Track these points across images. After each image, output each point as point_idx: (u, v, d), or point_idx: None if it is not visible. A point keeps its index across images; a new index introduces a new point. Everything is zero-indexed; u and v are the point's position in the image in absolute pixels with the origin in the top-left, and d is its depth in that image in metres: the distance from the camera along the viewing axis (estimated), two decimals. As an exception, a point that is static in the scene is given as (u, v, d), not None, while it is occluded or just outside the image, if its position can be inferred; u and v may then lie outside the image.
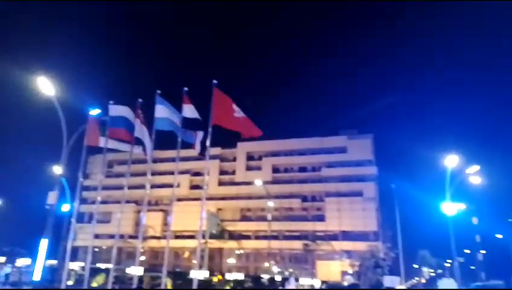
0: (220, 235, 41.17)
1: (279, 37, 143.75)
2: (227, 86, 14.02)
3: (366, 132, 74.04)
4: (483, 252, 47.31)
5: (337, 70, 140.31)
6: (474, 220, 43.45)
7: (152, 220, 68.40)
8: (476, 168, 28.21)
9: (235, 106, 13.40)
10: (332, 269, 60.31)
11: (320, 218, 69.74)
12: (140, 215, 60.07)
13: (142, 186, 20.32)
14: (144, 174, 18.70)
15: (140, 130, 15.54)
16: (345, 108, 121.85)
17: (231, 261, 68.09)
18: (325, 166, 73.86)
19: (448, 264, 31.04)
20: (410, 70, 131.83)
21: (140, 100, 15.93)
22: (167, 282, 29.79)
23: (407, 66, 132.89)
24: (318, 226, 66.56)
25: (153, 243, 65.08)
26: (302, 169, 77.06)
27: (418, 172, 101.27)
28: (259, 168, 77.66)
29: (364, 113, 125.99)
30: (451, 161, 26.28)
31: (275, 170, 77.67)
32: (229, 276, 43.84)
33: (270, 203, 54.30)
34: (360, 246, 55.33)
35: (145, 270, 38.25)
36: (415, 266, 42.58)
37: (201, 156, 13.99)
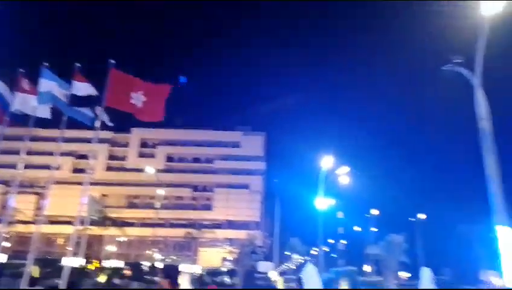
0: (102, 221, 39.27)
1: (185, 24, 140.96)
2: (127, 69, 13.67)
3: (260, 130, 78.33)
4: (344, 242, 54.84)
5: (238, 68, 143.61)
6: (339, 214, 50.18)
7: (24, 204, 61.17)
8: (345, 169, 32.58)
9: (134, 92, 12.85)
10: (214, 256, 62.58)
11: (208, 207, 71.77)
12: (8, 198, 53.25)
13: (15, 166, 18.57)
14: (17, 152, 17.07)
15: (24, 102, 14.12)
16: (243, 105, 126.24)
17: (111, 248, 65.22)
18: (218, 158, 76.04)
19: (315, 252, 35.31)
20: (307, 75, 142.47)
21: (21, 70, 14.55)
22: (34, 270, 27.50)
23: (303, 73, 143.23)
24: (205, 215, 68.41)
25: (21, 228, 58.35)
26: (196, 160, 78.00)
27: (300, 170, 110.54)
28: (152, 156, 76.04)
29: (259, 112, 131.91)
30: (326, 161, 29.90)
31: (169, 158, 77.00)
32: (107, 263, 42.22)
33: (160, 191, 53.73)
34: (242, 234, 58.62)
35: (9, 258, 34.47)
36: (287, 253, 46.84)
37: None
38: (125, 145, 77.96)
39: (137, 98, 13.10)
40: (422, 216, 50.63)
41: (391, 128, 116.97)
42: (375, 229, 47.49)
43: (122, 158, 77.22)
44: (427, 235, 48.88)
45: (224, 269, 39.65)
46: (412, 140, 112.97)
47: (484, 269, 27.79)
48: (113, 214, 58.51)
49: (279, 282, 36.73)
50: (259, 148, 76.73)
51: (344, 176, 33.99)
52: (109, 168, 75.25)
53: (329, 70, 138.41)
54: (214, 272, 37.81)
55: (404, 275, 39.00)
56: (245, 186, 72.46)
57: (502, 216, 10.99)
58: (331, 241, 58.12)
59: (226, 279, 32.43)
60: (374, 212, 53.16)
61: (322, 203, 30.65)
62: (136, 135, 76.85)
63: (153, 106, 13.30)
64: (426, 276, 18.62)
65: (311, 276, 17.91)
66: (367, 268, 47.19)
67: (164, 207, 67.23)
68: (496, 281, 29.91)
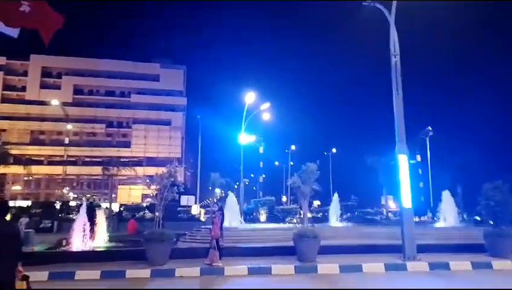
0: (2, 159, 35.21)
1: None
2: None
3: (180, 63, 74.57)
4: (264, 176, 57.92)
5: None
6: (261, 149, 52.15)
7: None
8: (267, 105, 33.07)
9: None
10: (134, 193, 61.56)
11: (126, 144, 68.67)
12: None
13: None
14: None
15: None
16: (161, 37, 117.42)
17: (16, 188, 60.16)
18: (135, 92, 71.49)
19: (236, 186, 36.80)
20: (228, 8, 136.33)
21: None
22: None
23: (224, 5, 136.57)
24: (123, 153, 65.40)
25: None
26: (110, 93, 72.36)
27: (222, 105, 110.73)
28: (57, 87, 68.45)
29: (179, 44, 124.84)
30: (249, 97, 29.91)
31: (78, 91, 70.18)
32: (13, 203, 39.01)
33: (69, 127, 49.53)
34: (162, 171, 57.76)
35: None
36: (210, 188, 48.00)
37: None
38: (24, 74, 68.77)
39: (27, 6, 10.74)
40: (334, 150, 55.33)
41: (312, 64, 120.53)
42: (292, 163, 50.57)
43: (22, 89, 68.46)
44: (339, 167, 53.89)
45: (145, 204, 39.39)
46: (330, 76, 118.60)
47: (384, 195, 31.99)
48: (15, 151, 52.92)
49: (202, 214, 37.83)
50: (179, 82, 73.65)
51: (266, 112, 34.71)
52: (6, 100, 66.50)
53: (250, 5, 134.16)
54: (133, 208, 37.37)
55: (316, 203, 42.95)
56: (165, 123, 70.19)
57: (402, 146, 12.21)
58: (252, 175, 60.77)
59: (147, 213, 32.33)
60: (293, 148, 56.25)
61: (244, 138, 31.19)
62: (36, 62, 67.77)
63: (45, 21, 11.06)
64: (335, 201, 20.77)
65: (232, 205, 18.67)
66: (284, 198, 50.86)
67: (75, 144, 62.84)
68: (391, 204, 34.59)
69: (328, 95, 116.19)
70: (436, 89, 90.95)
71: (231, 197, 18.91)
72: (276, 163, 63.90)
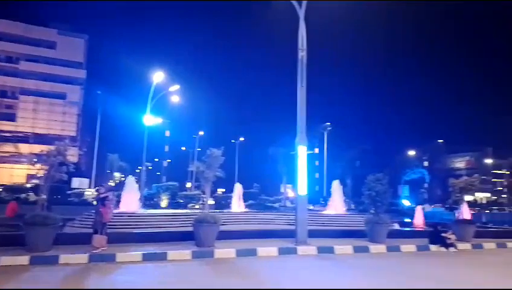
0: None
1: None
2: None
3: (80, 31, 67.55)
4: (169, 160, 56.63)
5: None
6: (167, 133, 50.58)
7: None
8: (176, 87, 32.03)
9: None
10: (17, 173, 54.57)
11: (10, 117, 60.29)
12: None
13: None
14: None
15: None
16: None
17: None
18: (25, 59, 62.93)
19: (138, 170, 35.16)
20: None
21: None
22: None
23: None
24: (6, 126, 57.40)
25: None
26: (-6, 57, 62.50)
27: (126, 83, 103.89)
28: None
29: (81, 12, 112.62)
30: (157, 76, 28.58)
31: (-48, 50, 59.07)
32: None
33: None
34: (49, 148, 52.17)
35: None
36: (109, 171, 45.18)
37: None
38: None
39: None
40: (242, 139, 56.62)
41: (223, 52, 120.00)
42: (200, 149, 50.23)
43: None
44: (245, 155, 55.30)
45: (29, 186, 35.23)
46: (240, 66, 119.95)
47: (284, 184, 33.89)
48: None
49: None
50: (79, 52, 66.74)
51: (175, 94, 33.65)
52: None
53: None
54: (15, 189, 33.32)
55: (220, 190, 43.40)
56: (60, 96, 63.18)
57: (302, 137, 12.93)
58: (156, 159, 58.68)
59: (31, 195, 28.96)
60: (201, 133, 55.76)
61: (150, 120, 29.82)
62: None
63: None
64: (237, 188, 21.21)
65: (131, 189, 17.70)
66: (188, 184, 50.22)
67: None
68: (290, 192, 36.75)
69: (238, 85, 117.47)
70: (338, 87, 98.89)
71: (130, 181, 17.91)
72: (183, 148, 62.68)
